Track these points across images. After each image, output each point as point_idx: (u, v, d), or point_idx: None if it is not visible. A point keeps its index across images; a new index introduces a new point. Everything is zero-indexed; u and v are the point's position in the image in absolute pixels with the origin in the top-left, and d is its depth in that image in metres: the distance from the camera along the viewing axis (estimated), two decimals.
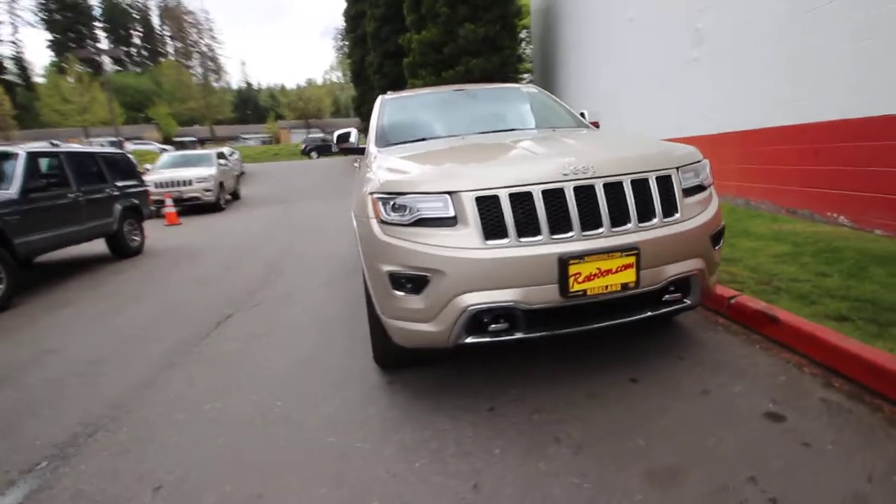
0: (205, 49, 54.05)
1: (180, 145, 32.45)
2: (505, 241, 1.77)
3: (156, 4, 59.48)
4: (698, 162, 2.09)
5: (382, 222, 1.92)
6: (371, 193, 1.98)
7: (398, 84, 15.49)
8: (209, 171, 11.26)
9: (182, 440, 1.99)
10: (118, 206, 5.91)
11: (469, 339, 1.84)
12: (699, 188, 2.06)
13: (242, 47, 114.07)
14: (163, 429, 2.10)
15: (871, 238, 3.72)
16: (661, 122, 6.77)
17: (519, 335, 1.84)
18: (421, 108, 3.34)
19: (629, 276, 1.78)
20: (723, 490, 1.45)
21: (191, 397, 2.36)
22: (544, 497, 1.48)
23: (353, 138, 3.13)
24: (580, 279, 1.74)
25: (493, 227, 1.77)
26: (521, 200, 1.78)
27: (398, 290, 1.87)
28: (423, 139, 2.84)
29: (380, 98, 3.52)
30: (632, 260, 1.77)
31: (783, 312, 2.35)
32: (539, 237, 1.77)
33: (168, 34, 58.81)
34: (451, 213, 1.81)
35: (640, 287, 1.80)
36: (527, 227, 1.77)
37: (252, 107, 63.50)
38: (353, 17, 17.90)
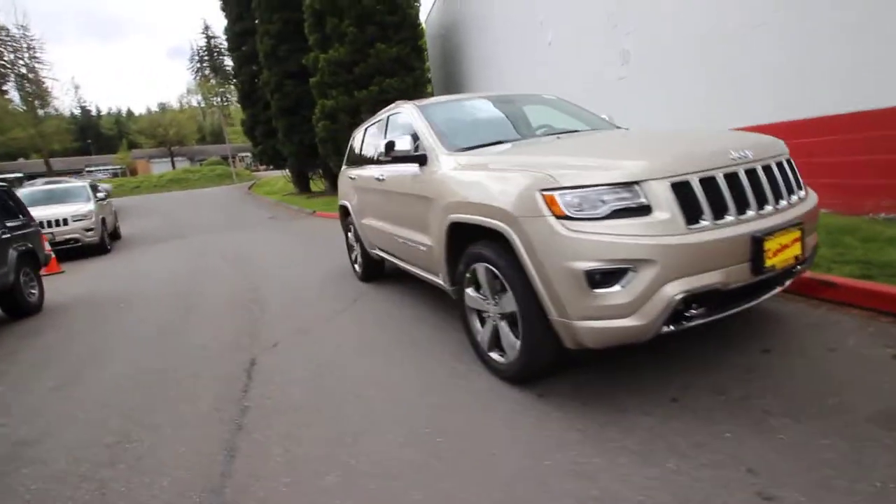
0: (23, 70, 45.21)
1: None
2: (705, 224, 1.79)
3: None
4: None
5: (566, 218, 1.81)
6: (544, 190, 1.86)
7: (303, 105, 14.75)
8: (87, 206, 9.36)
9: None
10: (12, 253, 4.58)
11: (665, 329, 1.82)
12: None
13: (75, 69, 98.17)
14: None
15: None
16: None
17: (707, 319, 1.87)
18: (468, 115, 3.23)
19: (798, 249, 1.94)
20: None
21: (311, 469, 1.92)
22: (821, 462, 1.51)
23: (405, 145, 2.89)
24: (770, 255, 1.84)
25: (691, 212, 1.79)
26: (709, 185, 1.83)
27: (597, 287, 1.77)
28: (500, 142, 2.76)
29: (408, 106, 3.33)
30: (799, 234, 1.94)
31: (837, 277, 2.75)
32: (730, 218, 1.83)
33: None
34: (645, 202, 1.78)
35: (803, 258, 1.97)
36: (718, 209, 1.83)
37: (93, 135, 54.76)
38: (239, 34, 16.59)
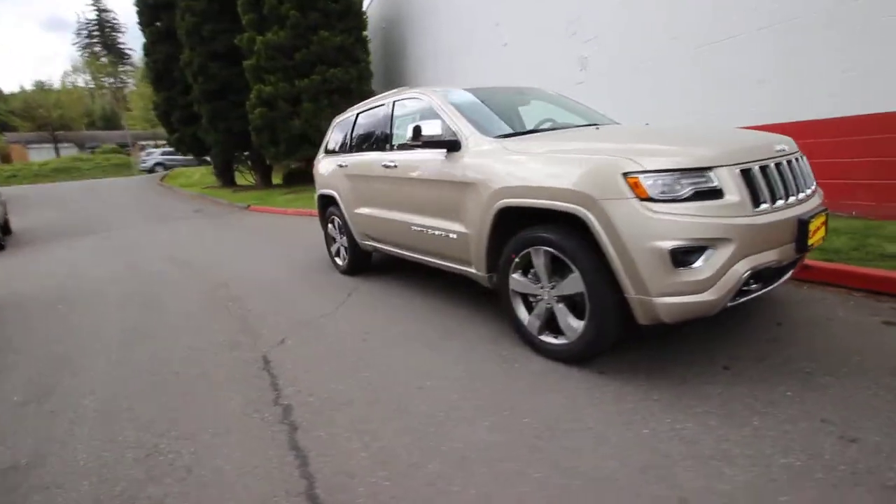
0: None
1: None
2: (766, 207, 1.99)
3: None
4: None
5: (649, 200, 1.91)
6: (628, 173, 1.94)
7: (231, 89, 13.65)
8: None
9: None
10: None
11: (730, 303, 1.99)
12: None
13: None
14: None
15: None
16: None
17: (758, 293, 2.08)
18: (483, 104, 3.22)
19: (823, 231, 2.22)
20: None
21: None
22: (875, 408, 1.76)
23: (435, 130, 2.83)
24: (811, 236, 2.09)
25: (755, 196, 1.98)
26: (764, 173, 2.04)
27: (679, 265, 1.89)
28: (535, 130, 2.82)
29: (428, 92, 3.24)
30: (825, 217, 2.22)
31: (810, 261, 3.18)
32: (781, 203, 2.05)
33: None
34: (717, 186, 1.93)
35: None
36: (772, 195, 2.04)
37: None
38: (152, 6, 14.84)
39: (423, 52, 12.01)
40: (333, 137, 4.70)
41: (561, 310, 2.31)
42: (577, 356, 2.29)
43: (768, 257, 1.99)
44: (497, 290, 2.77)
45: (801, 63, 4.40)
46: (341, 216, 4.34)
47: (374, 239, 4.00)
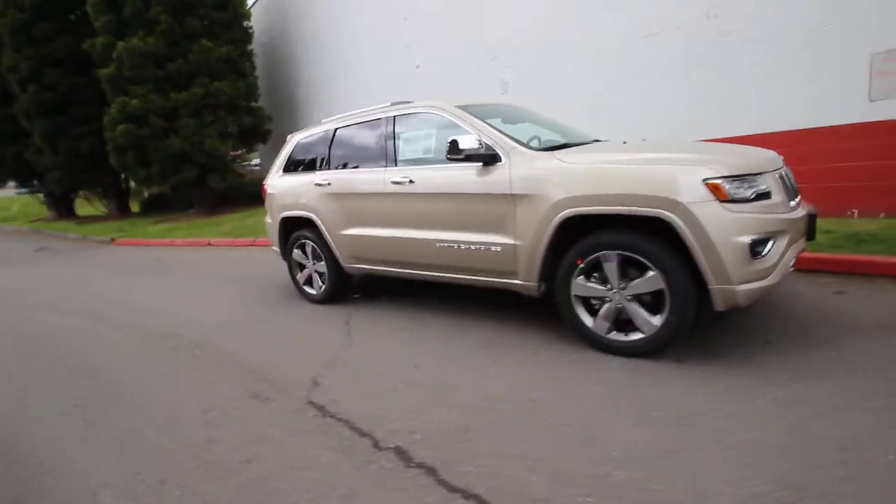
0: None
1: None
2: (792, 205, 2.44)
3: None
4: None
5: (728, 201, 2.20)
6: (708, 179, 2.21)
7: (75, 102, 11.35)
8: None
9: None
10: None
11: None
12: None
13: None
14: None
15: None
16: None
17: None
18: (503, 121, 3.29)
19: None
20: None
21: None
22: None
23: (472, 144, 2.83)
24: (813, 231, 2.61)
25: (787, 196, 2.41)
26: (782, 178, 2.50)
27: (755, 256, 2.20)
28: (567, 145, 2.99)
29: (447, 107, 3.18)
30: (815, 215, 2.78)
31: None
32: (792, 204, 2.52)
33: None
34: (766, 189, 2.31)
35: None
36: (793, 195, 2.51)
37: None
38: None
39: (318, 72, 11.59)
40: (295, 155, 4.30)
41: (633, 308, 2.48)
42: (653, 349, 2.48)
43: (800, 246, 2.45)
44: (544, 298, 2.86)
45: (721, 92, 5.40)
46: (320, 239, 3.98)
47: (367, 261, 3.75)
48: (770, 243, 2.25)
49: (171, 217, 12.40)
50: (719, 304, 2.29)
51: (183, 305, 4.66)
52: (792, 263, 2.42)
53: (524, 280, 2.87)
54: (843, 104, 4.33)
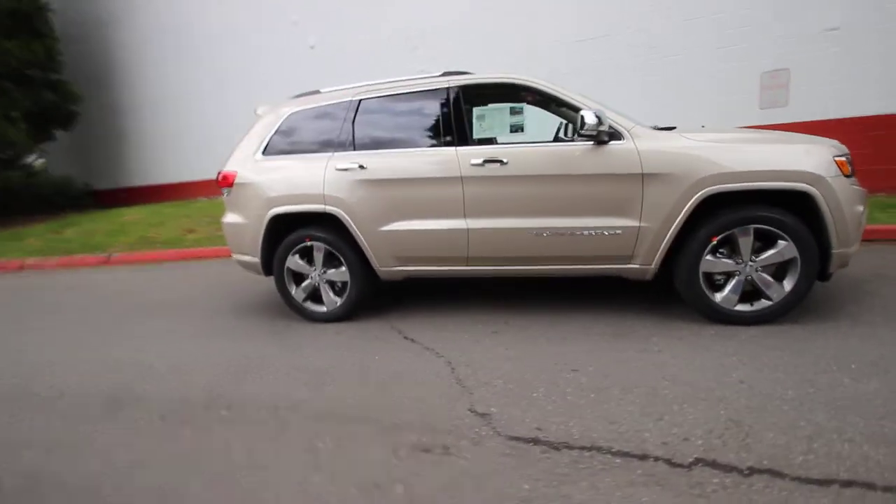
0: None
1: None
2: None
3: None
4: None
5: (847, 177, 2.52)
6: (837, 156, 2.49)
7: None
8: None
9: None
10: None
11: None
12: None
13: None
14: None
15: None
16: None
17: None
18: None
19: None
20: None
21: None
22: None
23: (594, 120, 2.61)
24: None
25: None
26: None
27: (859, 223, 2.59)
28: (670, 128, 3.01)
29: (534, 80, 2.88)
30: None
31: None
32: None
33: None
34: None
35: None
36: None
37: None
38: None
39: (159, 44, 9.26)
40: (286, 132, 3.32)
41: (762, 277, 2.65)
42: (777, 315, 2.68)
43: None
44: (654, 280, 2.84)
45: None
46: (342, 239, 3.15)
47: (417, 261, 3.12)
48: (866, 211, 2.68)
49: None
50: (835, 266, 2.61)
51: (148, 354, 3.13)
52: None
53: (641, 264, 2.78)
54: (744, 111, 5.48)
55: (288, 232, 3.28)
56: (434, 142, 3.02)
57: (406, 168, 3.00)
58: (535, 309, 3.23)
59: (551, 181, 2.80)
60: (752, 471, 1.62)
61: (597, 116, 2.63)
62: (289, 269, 3.33)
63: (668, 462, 1.69)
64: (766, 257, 2.61)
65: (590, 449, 1.80)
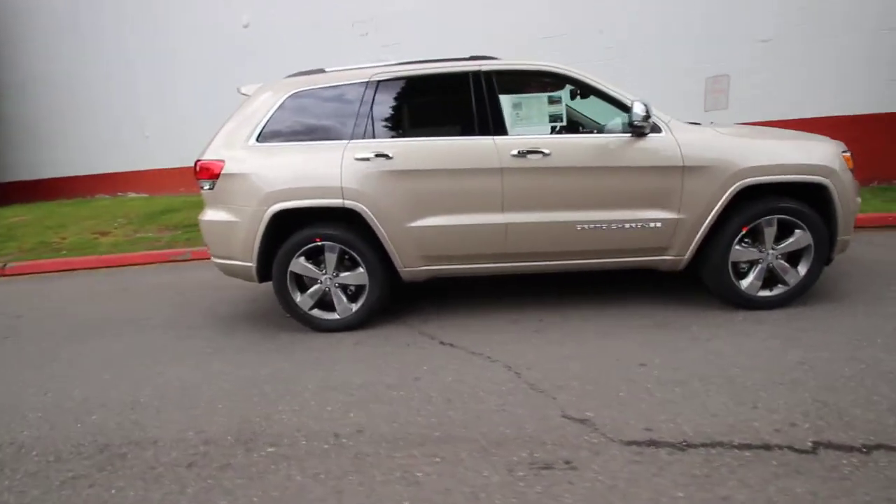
0: None
1: None
2: None
3: None
4: None
5: (851, 170, 2.78)
6: (844, 152, 2.74)
7: None
8: None
9: None
10: None
11: None
12: None
13: None
14: None
15: None
16: None
17: None
18: None
19: None
20: None
21: None
22: None
23: (643, 112, 2.60)
24: None
25: None
26: None
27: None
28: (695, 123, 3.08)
29: (567, 70, 2.77)
30: None
31: None
32: None
33: None
34: None
35: None
36: None
37: None
38: None
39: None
40: (287, 116, 2.87)
41: (781, 265, 2.83)
42: (793, 298, 2.89)
43: None
44: (682, 271, 2.93)
45: None
46: (362, 238, 2.81)
47: (448, 259, 2.89)
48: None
49: None
50: (837, 252, 2.89)
51: (126, 389, 2.45)
52: None
53: (675, 255, 2.84)
54: (692, 113, 5.94)
55: (289, 231, 2.85)
56: (467, 131, 2.80)
57: (438, 158, 2.75)
58: (560, 304, 3.16)
59: (595, 173, 2.74)
60: (869, 448, 1.69)
61: (646, 108, 2.62)
62: (293, 273, 2.89)
63: (792, 449, 1.70)
64: (786, 245, 2.80)
65: (714, 445, 1.75)
